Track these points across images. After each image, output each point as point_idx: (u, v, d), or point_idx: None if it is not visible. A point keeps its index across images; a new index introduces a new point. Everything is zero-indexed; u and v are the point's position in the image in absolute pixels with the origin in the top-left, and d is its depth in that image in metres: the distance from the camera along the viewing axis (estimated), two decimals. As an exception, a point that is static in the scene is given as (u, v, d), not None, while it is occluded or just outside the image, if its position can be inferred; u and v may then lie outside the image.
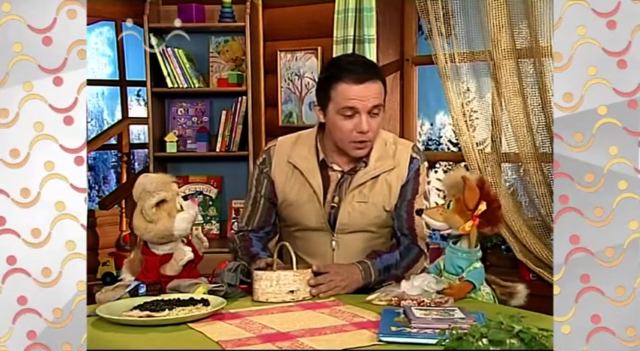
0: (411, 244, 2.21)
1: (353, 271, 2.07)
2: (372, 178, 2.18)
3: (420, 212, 2.02)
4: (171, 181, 2.06)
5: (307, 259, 2.21)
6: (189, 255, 2.02)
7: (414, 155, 2.23)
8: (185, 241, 2.08)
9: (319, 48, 3.65)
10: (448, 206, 1.97)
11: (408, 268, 2.18)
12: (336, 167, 2.22)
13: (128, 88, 6.22)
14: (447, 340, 1.41)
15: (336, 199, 2.19)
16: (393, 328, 1.56)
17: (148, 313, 1.74)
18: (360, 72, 2.09)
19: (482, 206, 1.93)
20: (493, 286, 2.03)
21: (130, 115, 6.23)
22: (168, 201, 2.02)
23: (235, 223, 3.79)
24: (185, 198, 2.09)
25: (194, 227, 2.13)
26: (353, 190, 2.17)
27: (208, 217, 3.93)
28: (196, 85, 3.84)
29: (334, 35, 3.37)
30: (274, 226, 2.35)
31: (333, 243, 2.19)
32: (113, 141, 6.06)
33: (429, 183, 2.38)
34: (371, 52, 3.30)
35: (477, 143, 3.14)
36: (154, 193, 2.00)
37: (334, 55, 3.30)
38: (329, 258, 2.19)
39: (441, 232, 2.01)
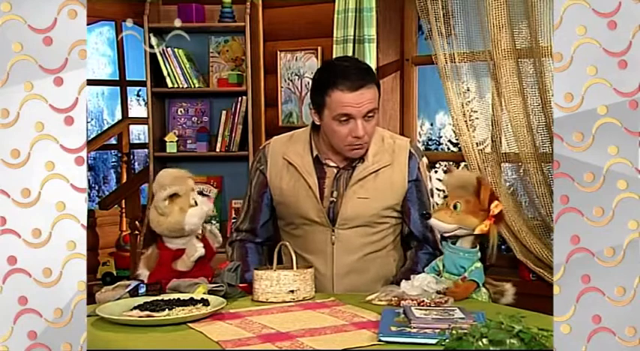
0: (431, 252, 2.22)
1: None
2: (372, 173, 2.20)
3: (427, 216, 2.00)
4: (187, 176, 2.08)
5: (306, 256, 2.22)
6: (200, 251, 2.04)
7: (412, 151, 2.26)
8: (200, 237, 2.09)
9: (319, 48, 3.64)
10: (455, 207, 1.96)
11: None
12: (331, 163, 2.24)
13: (128, 88, 6.22)
14: (447, 340, 1.41)
15: (335, 193, 2.20)
16: (393, 328, 1.56)
17: (148, 313, 1.74)
18: (354, 79, 2.10)
19: (499, 205, 1.94)
20: (487, 286, 2.04)
21: (130, 115, 6.23)
22: (181, 195, 2.04)
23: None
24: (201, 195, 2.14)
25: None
26: (353, 186, 2.19)
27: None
28: (196, 85, 3.84)
29: (334, 35, 3.36)
30: (270, 230, 2.36)
31: (333, 238, 2.20)
32: (113, 141, 6.06)
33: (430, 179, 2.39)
34: (371, 52, 3.30)
35: (477, 143, 3.13)
36: (166, 186, 2.02)
37: (334, 55, 3.29)
38: (328, 253, 2.20)
39: (447, 234, 2.00)
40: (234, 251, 2.34)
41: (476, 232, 1.95)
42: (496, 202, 1.95)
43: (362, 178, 2.19)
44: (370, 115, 2.13)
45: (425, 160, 2.31)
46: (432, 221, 1.99)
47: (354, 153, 2.18)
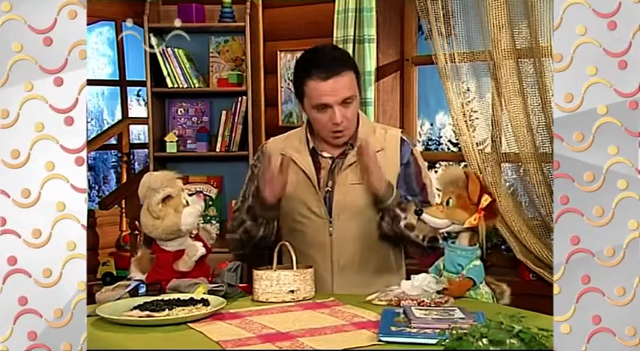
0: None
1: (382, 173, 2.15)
2: None
3: (420, 212, 2.02)
4: (176, 177, 2.08)
5: (306, 251, 2.22)
6: (202, 250, 2.04)
7: (404, 138, 2.30)
8: (193, 236, 2.09)
9: (319, 48, 3.65)
10: (447, 203, 1.97)
11: (413, 227, 2.19)
12: (326, 154, 2.27)
13: (128, 88, 6.22)
14: (447, 340, 1.41)
15: (330, 182, 2.23)
16: (393, 328, 1.56)
17: (148, 313, 1.74)
18: (327, 67, 2.15)
19: (488, 198, 1.95)
20: (492, 286, 2.04)
21: (130, 115, 6.23)
22: (173, 197, 2.04)
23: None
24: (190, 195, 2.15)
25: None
26: (345, 170, 2.22)
27: (208, 217, 3.93)
28: (196, 85, 3.84)
29: (334, 35, 3.36)
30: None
31: (330, 229, 2.21)
32: (113, 141, 6.06)
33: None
34: (371, 52, 3.30)
35: (477, 143, 3.13)
36: (159, 189, 2.01)
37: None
38: (327, 246, 2.22)
39: (442, 230, 2.01)
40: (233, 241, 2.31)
41: (465, 225, 1.95)
42: (486, 196, 1.96)
43: (353, 163, 2.22)
44: (348, 101, 2.17)
45: (417, 148, 2.33)
46: (424, 216, 1.99)
47: (337, 140, 2.23)
